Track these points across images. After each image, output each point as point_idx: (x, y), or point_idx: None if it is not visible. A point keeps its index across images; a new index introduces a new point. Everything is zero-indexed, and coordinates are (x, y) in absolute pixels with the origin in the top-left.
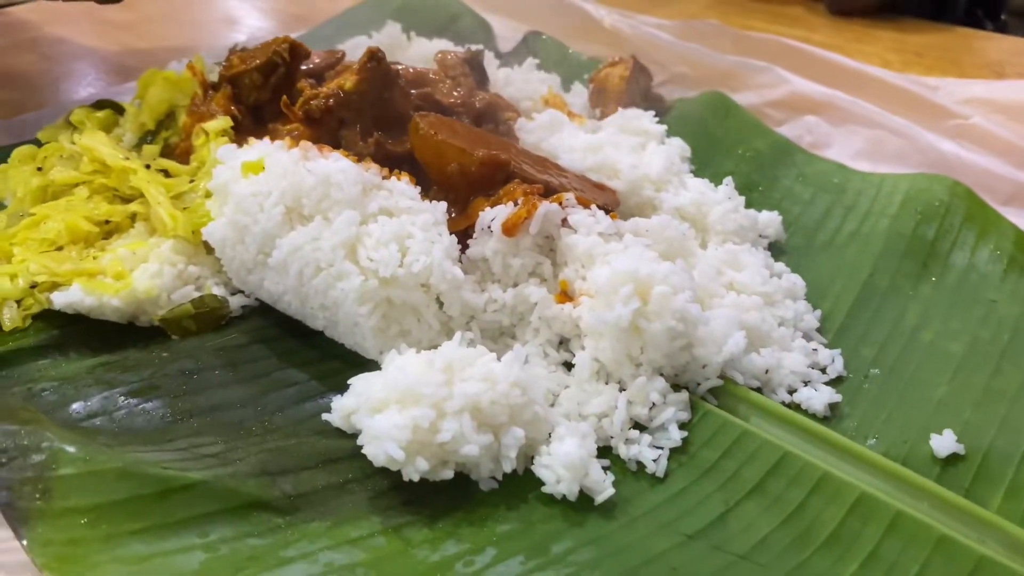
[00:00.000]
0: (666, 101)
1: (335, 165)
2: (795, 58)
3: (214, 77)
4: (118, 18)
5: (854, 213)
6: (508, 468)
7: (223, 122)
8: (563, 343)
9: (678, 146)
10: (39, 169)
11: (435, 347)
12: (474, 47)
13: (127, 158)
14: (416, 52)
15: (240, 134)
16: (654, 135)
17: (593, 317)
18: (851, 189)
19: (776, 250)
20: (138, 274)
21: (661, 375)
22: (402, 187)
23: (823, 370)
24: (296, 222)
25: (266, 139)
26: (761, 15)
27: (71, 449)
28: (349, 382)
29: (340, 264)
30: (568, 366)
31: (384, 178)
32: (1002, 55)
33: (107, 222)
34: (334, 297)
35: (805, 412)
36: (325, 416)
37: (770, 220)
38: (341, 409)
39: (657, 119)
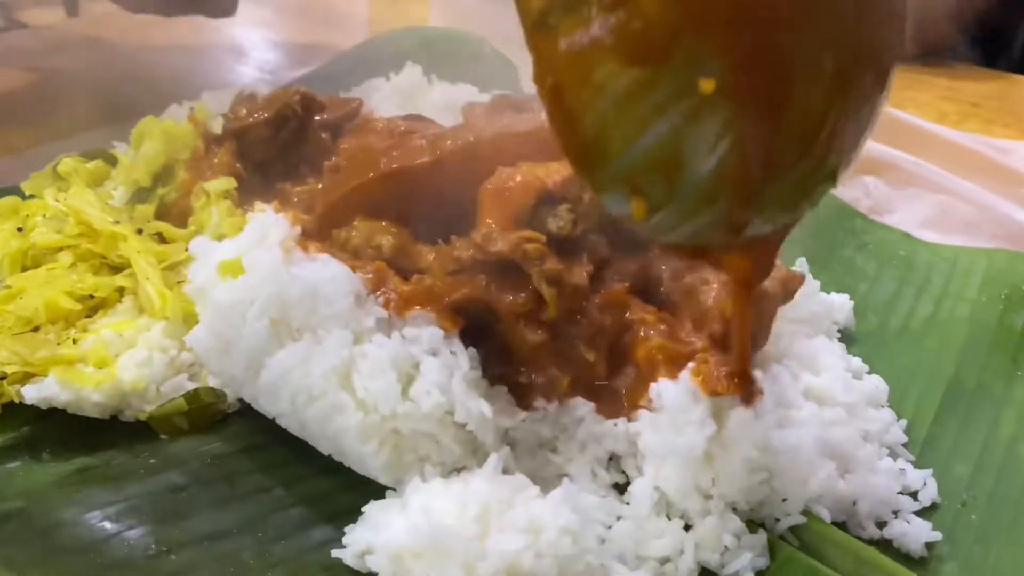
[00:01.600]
0: None
1: (323, 272)
2: None
3: (217, 127)
4: (119, 47)
5: (928, 294)
6: None
7: (225, 183)
8: (613, 458)
9: None
10: (19, 229)
11: (461, 468)
12: (499, 92)
13: (117, 221)
14: (439, 98)
15: (245, 195)
16: None
17: (658, 440)
18: (920, 264)
19: (846, 338)
20: (124, 361)
21: (734, 511)
22: None
23: (914, 495)
24: (285, 336)
25: (269, 209)
26: None
27: None
28: (363, 510)
29: (335, 394)
30: (620, 487)
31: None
32: None
33: (91, 296)
34: (334, 430)
35: (898, 551)
36: (335, 552)
37: (841, 305)
38: (354, 544)
39: None
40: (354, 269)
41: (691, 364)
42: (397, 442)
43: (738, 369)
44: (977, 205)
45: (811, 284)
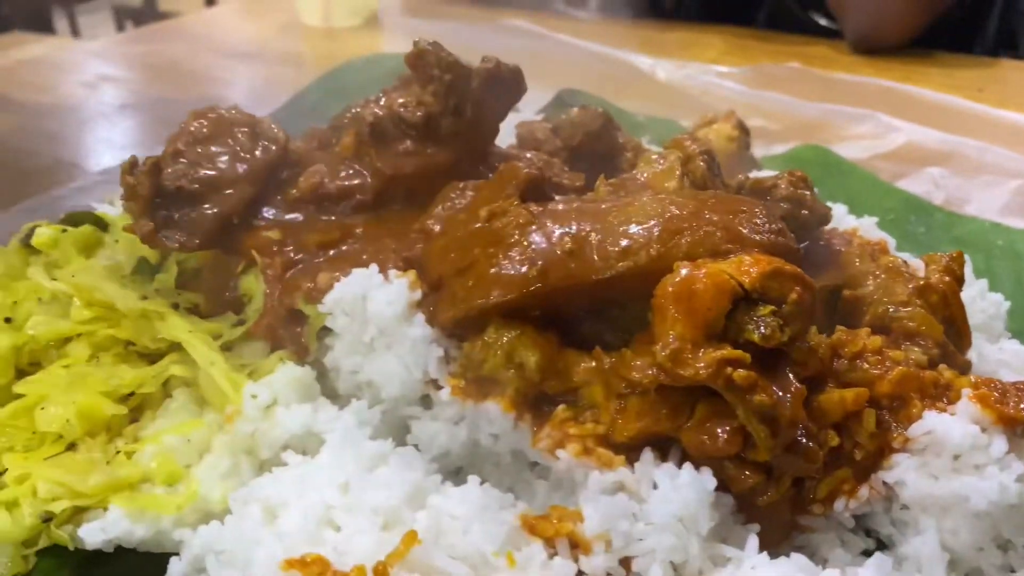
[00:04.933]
0: (758, 161)
1: None
2: (898, 102)
3: None
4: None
5: None
6: None
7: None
8: (860, 518)
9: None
10: (8, 320)
11: None
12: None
13: (145, 296)
14: None
15: None
16: None
17: (939, 488)
18: None
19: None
20: (202, 473)
21: None
22: None
23: None
24: None
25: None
26: (787, 58)
27: None
28: None
29: None
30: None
31: None
32: None
33: (130, 395)
34: None
35: None
36: None
37: (1001, 303)
38: None
39: None
40: None
41: (966, 391)
42: None
43: None
44: None
45: (978, 285)
